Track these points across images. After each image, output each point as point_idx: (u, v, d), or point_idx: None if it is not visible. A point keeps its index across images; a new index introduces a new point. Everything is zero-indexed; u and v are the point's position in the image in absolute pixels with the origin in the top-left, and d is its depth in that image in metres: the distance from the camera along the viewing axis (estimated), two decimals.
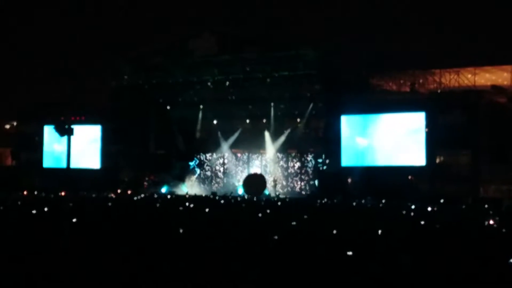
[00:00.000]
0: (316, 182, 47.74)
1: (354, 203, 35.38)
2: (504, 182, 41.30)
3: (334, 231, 16.97)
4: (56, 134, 44.96)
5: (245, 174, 52.09)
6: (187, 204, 30.47)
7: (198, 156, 53.87)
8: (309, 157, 49.98)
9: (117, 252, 13.35)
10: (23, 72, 65.25)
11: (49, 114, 50.38)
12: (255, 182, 48.62)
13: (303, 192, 49.06)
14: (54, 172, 51.19)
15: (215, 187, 51.97)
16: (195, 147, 53.87)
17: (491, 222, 22.07)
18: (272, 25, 55.21)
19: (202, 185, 52.62)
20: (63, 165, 48.30)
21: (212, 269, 11.97)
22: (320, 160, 47.98)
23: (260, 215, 23.47)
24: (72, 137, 43.41)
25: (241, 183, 50.81)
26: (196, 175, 53.48)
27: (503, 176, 41.24)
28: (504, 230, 18.42)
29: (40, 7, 66.88)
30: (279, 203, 33.64)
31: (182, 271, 11.85)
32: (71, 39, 65.99)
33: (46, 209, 23.65)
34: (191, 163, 53.55)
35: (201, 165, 53.79)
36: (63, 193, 40.59)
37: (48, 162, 54.04)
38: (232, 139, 52.49)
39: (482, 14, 55.65)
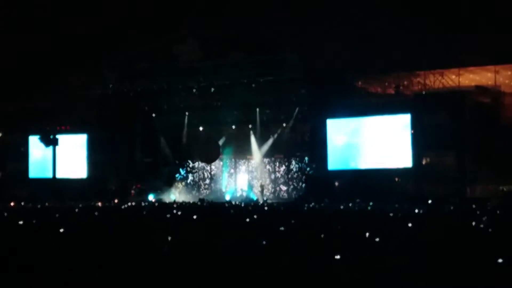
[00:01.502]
0: (303, 186, 47.84)
1: (341, 207, 35.40)
2: (490, 181, 41.46)
3: (322, 235, 16.97)
4: (42, 144, 44.83)
5: (232, 180, 52.11)
6: (174, 211, 30.38)
7: (185, 163, 53.80)
8: (296, 161, 50.03)
9: (105, 263, 13.29)
10: (6, 81, 64.92)
11: (34, 124, 50.22)
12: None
13: (290, 196, 49.07)
14: (40, 182, 51.00)
15: (203, 194, 51.89)
16: (181, 154, 53.78)
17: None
18: (256, 30, 55.19)
19: (190, 192, 52.53)
20: (49, 175, 48.17)
21: (201, 277, 11.94)
22: (306, 164, 48.10)
23: (247, 220, 23.43)
24: (57, 147, 43.30)
25: (228, 189, 50.90)
26: (184, 182, 53.39)
27: (489, 176, 41.40)
28: (491, 230, 18.48)
29: (23, 14, 66.61)
30: (265, 208, 33.61)
31: (171, 281, 11.82)
32: (54, 48, 65.78)
33: (33, 220, 23.52)
34: (182, 170, 53.50)
35: (188, 171, 53.71)
36: (49, 204, 40.39)
37: (34, 172, 53.83)
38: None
39: (465, 15, 55.89)
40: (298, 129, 50.24)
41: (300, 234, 18.02)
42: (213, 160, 48.88)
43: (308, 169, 47.97)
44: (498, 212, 28.36)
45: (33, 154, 53.76)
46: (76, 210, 32.96)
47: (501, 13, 52.06)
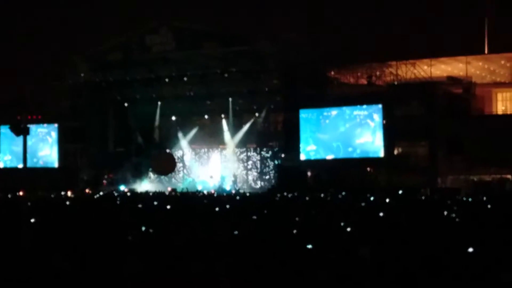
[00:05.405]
0: (276, 176, 47.89)
1: (313, 197, 35.45)
2: (461, 172, 41.79)
3: (294, 225, 17.03)
4: (12, 134, 44.24)
5: (205, 169, 52.00)
6: (146, 201, 30.30)
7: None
8: (269, 152, 49.99)
9: (77, 251, 13.25)
10: None
11: (5, 114, 49.73)
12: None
13: (262, 186, 49.04)
14: (11, 172, 50.53)
15: (174, 183, 51.70)
16: (154, 144, 53.56)
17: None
18: (229, 20, 55.20)
19: (162, 182, 52.33)
20: (20, 165, 47.71)
21: (174, 265, 11.95)
22: (279, 155, 48.15)
23: (217, 209, 23.42)
24: (28, 136, 42.75)
25: (201, 178, 50.84)
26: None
27: (460, 166, 41.72)
28: (459, 220, 18.64)
29: None
30: (237, 198, 33.63)
31: (146, 268, 11.82)
32: (26, 38, 65.28)
33: (4, 209, 23.36)
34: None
35: None
36: (21, 193, 40.02)
37: (4, 162, 53.37)
38: (190, 135, 52.36)
39: (436, 6, 56.26)
40: (271, 119, 50.31)
41: (272, 224, 18.06)
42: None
43: (281, 159, 47.98)
44: (468, 202, 28.64)
45: (3, 144, 53.23)
46: (48, 200, 32.74)
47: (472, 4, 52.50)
